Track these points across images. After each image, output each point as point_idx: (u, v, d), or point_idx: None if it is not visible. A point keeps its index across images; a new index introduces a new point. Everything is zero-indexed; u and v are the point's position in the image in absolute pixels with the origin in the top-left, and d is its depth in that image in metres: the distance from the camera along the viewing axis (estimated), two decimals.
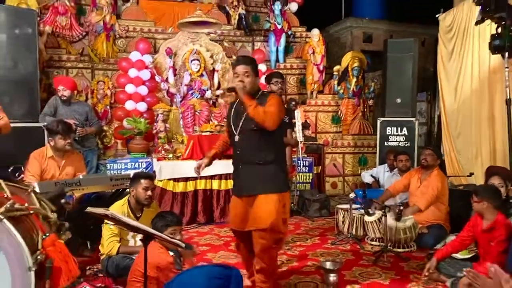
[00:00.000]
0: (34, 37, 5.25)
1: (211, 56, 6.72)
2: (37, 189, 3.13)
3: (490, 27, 4.94)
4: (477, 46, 5.66)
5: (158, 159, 5.43)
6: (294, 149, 5.45)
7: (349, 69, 7.51)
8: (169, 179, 5.29)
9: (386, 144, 6.48)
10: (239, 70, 2.87)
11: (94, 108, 6.18)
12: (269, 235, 2.84)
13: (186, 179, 5.32)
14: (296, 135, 5.48)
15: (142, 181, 3.30)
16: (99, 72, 6.81)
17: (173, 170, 5.31)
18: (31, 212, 2.01)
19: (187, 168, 5.29)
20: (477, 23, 4.56)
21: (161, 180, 5.26)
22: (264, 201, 2.86)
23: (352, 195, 4.59)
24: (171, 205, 5.26)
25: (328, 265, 3.16)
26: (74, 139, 4.98)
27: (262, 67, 6.76)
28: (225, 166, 4.84)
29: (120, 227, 2.96)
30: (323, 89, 7.77)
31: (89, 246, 3.77)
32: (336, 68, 7.64)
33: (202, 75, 6.42)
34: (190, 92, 6.30)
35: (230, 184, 5.13)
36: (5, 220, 1.85)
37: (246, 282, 3.01)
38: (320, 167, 6.51)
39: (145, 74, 6.42)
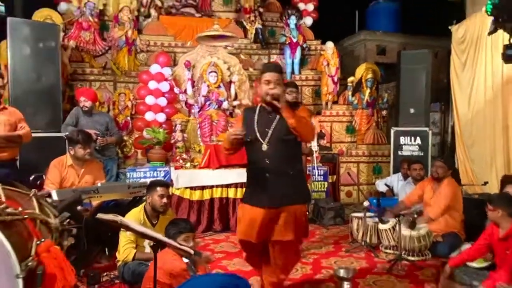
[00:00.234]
0: (57, 50, 5.51)
1: (228, 68, 6.91)
2: (55, 197, 3.23)
3: (502, 37, 5.02)
4: (490, 56, 5.73)
5: (176, 168, 5.57)
6: (309, 158, 5.55)
7: (363, 80, 7.63)
8: (186, 188, 5.40)
9: (399, 153, 6.55)
10: (272, 77, 2.73)
11: (116, 119, 6.41)
12: (294, 247, 2.86)
13: (203, 188, 5.43)
14: (310, 145, 5.59)
15: (158, 188, 3.37)
16: (120, 85, 7.08)
17: (190, 179, 5.43)
18: (25, 217, 1.90)
19: (204, 176, 5.44)
20: (490, 33, 4.62)
21: (178, 189, 5.38)
22: (293, 212, 2.81)
23: (366, 203, 4.63)
24: (188, 213, 5.36)
25: (342, 273, 3.15)
26: (94, 148, 5.13)
27: None
28: (240, 175, 4.94)
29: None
30: (338, 100, 7.89)
31: (107, 253, 3.81)
32: (350, 79, 7.76)
33: (219, 86, 6.60)
34: (207, 103, 6.47)
35: None
36: None
37: None
38: (335, 176, 6.59)
39: (165, 86, 6.65)
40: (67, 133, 5.05)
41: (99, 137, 5.20)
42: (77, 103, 5.51)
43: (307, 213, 5.44)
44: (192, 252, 2.52)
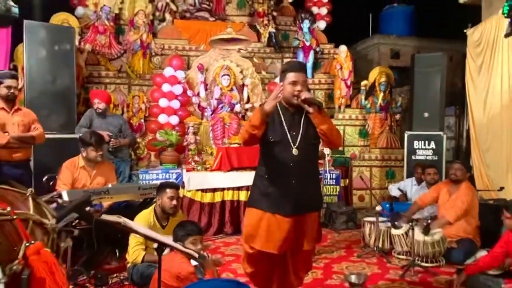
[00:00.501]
0: (72, 53, 5.61)
1: (241, 72, 6.95)
2: (65, 197, 3.24)
3: None
4: (507, 59, 5.63)
5: (187, 170, 5.60)
6: (321, 162, 5.52)
7: (376, 84, 7.57)
8: (197, 190, 5.43)
9: (413, 157, 6.48)
10: (299, 78, 2.58)
11: (129, 121, 6.48)
12: (312, 254, 2.84)
13: (214, 190, 5.45)
14: (322, 148, 5.57)
15: (168, 190, 3.37)
16: (135, 88, 7.16)
17: (201, 181, 5.46)
18: (14, 217, 1.78)
19: (215, 179, 5.47)
20: (507, 35, 4.57)
21: (189, 191, 5.42)
22: (314, 219, 2.74)
23: (378, 208, 4.59)
24: (199, 215, 5.39)
25: (353, 278, 3.09)
26: (108, 150, 5.18)
27: None
28: (252, 177, 4.93)
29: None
30: (351, 104, 7.85)
31: (117, 254, 3.80)
32: (363, 83, 7.71)
33: (232, 89, 6.63)
34: (220, 106, 6.51)
35: None
36: None
37: None
38: (347, 180, 6.55)
39: (178, 89, 6.70)
40: (80, 134, 5.13)
41: (112, 139, 5.24)
42: (92, 105, 5.58)
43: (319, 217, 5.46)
44: (196, 255, 2.49)
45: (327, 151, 5.74)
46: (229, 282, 2.43)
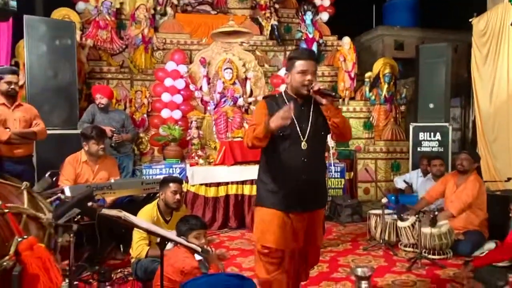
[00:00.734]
0: (73, 48, 5.56)
1: (244, 65, 6.89)
2: (68, 193, 3.25)
3: None
4: None
5: (191, 165, 5.58)
6: (325, 155, 5.48)
7: (381, 75, 7.50)
8: (201, 184, 5.41)
9: (418, 149, 6.42)
10: (309, 66, 2.43)
11: (132, 117, 6.44)
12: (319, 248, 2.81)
13: (218, 184, 5.43)
14: (327, 141, 5.52)
15: (171, 184, 3.34)
16: (137, 83, 7.12)
17: (205, 175, 5.44)
18: (6, 211, 1.74)
19: (219, 173, 5.44)
20: None
21: (193, 185, 5.40)
22: (322, 213, 2.71)
23: (384, 200, 4.56)
24: (203, 210, 5.38)
25: (360, 271, 3.04)
26: (110, 145, 5.18)
27: None
28: (256, 171, 4.90)
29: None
30: (355, 96, 7.78)
31: (121, 250, 3.79)
32: (367, 74, 7.64)
33: (234, 83, 6.59)
34: (223, 100, 6.47)
35: None
36: None
37: None
38: (352, 173, 6.50)
39: (180, 83, 6.66)
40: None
41: (114, 134, 5.23)
42: (94, 100, 5.56)
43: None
44: (199, 249, 2.45)
45: (331, 143, 5.70)
46: (233, 276, 2.38)
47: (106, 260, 3.71)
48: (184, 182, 4.86)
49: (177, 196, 3.35)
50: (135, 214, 3.21)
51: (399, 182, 6.06)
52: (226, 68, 6.54)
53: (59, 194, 3.23)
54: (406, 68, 9.69)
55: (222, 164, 5.51)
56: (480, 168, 5.77)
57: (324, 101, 2.39)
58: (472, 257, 3.84)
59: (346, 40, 7.65)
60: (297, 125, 2.45)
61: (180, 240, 2.43)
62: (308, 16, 7.95)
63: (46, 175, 4.09)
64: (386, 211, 4.55)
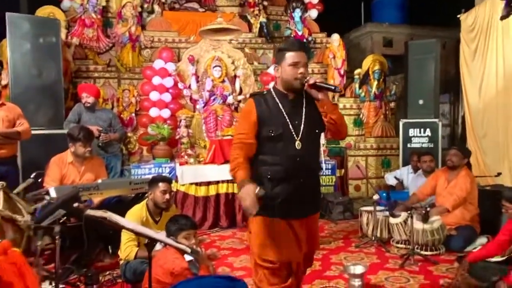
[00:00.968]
0: (58, 46, 5.43)
1: (233, 63, 6.83)
2: (53, 194, 3.15)
3: None
4: (501, 44, 5.58)
5: (180, 164, 5.51)
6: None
7: (370, 72, 7.50)
8: (191, 184, 5.34)
9: (409, 145, 6.43)
10: (301, 58, 2.26)
11: (120, 116, 6.34)
12: None
13: (208, 183, 5.37)
14: None
15: (160, 184, 3.29)
16: (125, 81, 7.01)
17: (195, 175, 5.37)
18: None
19: (209, 172, 5.37)
20: (502, 18, 4.48)
21: (183, 185, 5.33)
22: (317, 218, 2.52)
23: (376, 196, 4.54)
24: (193, 209, 5.31)
25: (353, 269, 3.03)
26: (97, 145, 5.09)
27: None
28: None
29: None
30: (345, 93, 7.77)
31: (110, 251, 3.73)
32: (357, 71, 7.64)
33: (223, 81, 6.51)
34: (212, 98, 6.40)
35: None
36: None
37: None
38: (343, 170, 6.49)
39: (169, 82, 6.57)
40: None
41: (102, 134, 5.13)
42: (80, 99, 5.45)
43: None
44: (189, 250, 2.40)
45: (322, 141, 5.66)
46: (223, 278, 2.34)
47: (94, 262, 3.63)
48: (173, 181, 4.82)
49: (167, 196, 3.30)
50: (123, 214, 3.15)
51: (390, 179, 6.05)
52: (215, 66, 6.47)
53: (45, 196, 3.14)
54: (395, 65, 9.74)
55: (212, 163, 5.45)
56: (470, 163, 5.81)
57: (320, 95, 2.25)
58: (464, 253, 3.84)
59: (336, 37, 7.64)
60: (289, 123, 2.27)
61: (169, 241, 2.38)
62: (297, 13, 7.92)
63: (32, 176, 4.02)
64: (378, 207, 4.53)
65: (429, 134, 6.36)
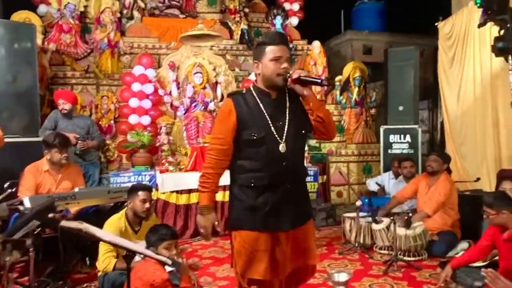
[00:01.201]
0: (34, 51, 5.27)
1: (214, 69, 6.77)
2: (27, 204, 3.03)
3: (490, 32, 4.98)
4: (478, 51, 5.69)
5: (161, 172, 5.40)
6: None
7: (351, 79, 7.58)
8: (172, 192, 5.24)
9: (389, 151, 6.49)
10: (283, 52, 2.07)
11: (98, 123, 6.20)
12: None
13: (189, 191, 5.26)
14: None
15: (140, 193, 3.21)
16: (104, 88, 6.87)
17: (176, 182, 5.27)
18: None
19: (190, 179, 5.26)
20: (480, 25, 4.54)
21: (163, 193, 5.22)
22: (311, 228, 2.26)
23: (358, 202, 4.53)
24: (174, 218, 5.20)
25: (337, 276, 2.96)
26: (75, 153, 4.97)
27: None
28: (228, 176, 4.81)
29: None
30: (326, 100, 7.81)
31: (87, 263, 3.64)
32: (337, 78, 7.71)
33: (205, 87, 6.44)
34: (193, 105, 6.32)
35: None
36: None
37: None
38: (325, 176, 6.49)
39: (149, 88, 6.47)
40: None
41: (79, 141, 5.01)
42: (56, 106, 5.30)
43: None
44: (169, 262, 2.32)
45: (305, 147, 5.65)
46: None
47: (71, 274, 3.50)
48: (153, 189, 4.71)
49: (146, 205, 3.22)
50: (101, 224, 3.06)
51: (371, 184, 6.08)
52: (196, 73, 6.40)
53: (19, 206, 3.02)
54: (375, 72, 9.87)
55: (194, 170, 5.36)
56: (449, 169, 5.89)
57: (305, 91, 2.06)
58: (446, 258, 3.86)
59: (316, 44, 7.69)
60: (271, 124, 2.07)
61: (148, 252, 2.29)
62: (278, 20, 7.97)
63: (5, 185, 3.87)
64: (361, 213, 4.53)
65: (409, 140, 6.43)
